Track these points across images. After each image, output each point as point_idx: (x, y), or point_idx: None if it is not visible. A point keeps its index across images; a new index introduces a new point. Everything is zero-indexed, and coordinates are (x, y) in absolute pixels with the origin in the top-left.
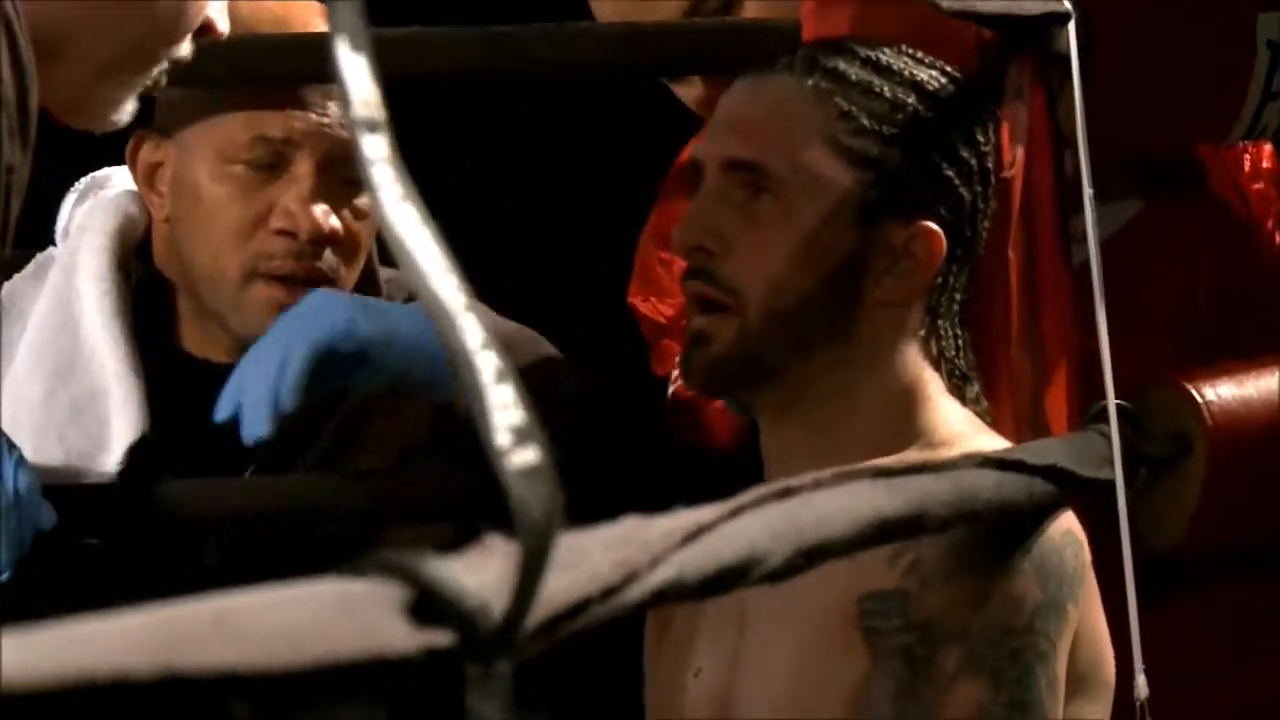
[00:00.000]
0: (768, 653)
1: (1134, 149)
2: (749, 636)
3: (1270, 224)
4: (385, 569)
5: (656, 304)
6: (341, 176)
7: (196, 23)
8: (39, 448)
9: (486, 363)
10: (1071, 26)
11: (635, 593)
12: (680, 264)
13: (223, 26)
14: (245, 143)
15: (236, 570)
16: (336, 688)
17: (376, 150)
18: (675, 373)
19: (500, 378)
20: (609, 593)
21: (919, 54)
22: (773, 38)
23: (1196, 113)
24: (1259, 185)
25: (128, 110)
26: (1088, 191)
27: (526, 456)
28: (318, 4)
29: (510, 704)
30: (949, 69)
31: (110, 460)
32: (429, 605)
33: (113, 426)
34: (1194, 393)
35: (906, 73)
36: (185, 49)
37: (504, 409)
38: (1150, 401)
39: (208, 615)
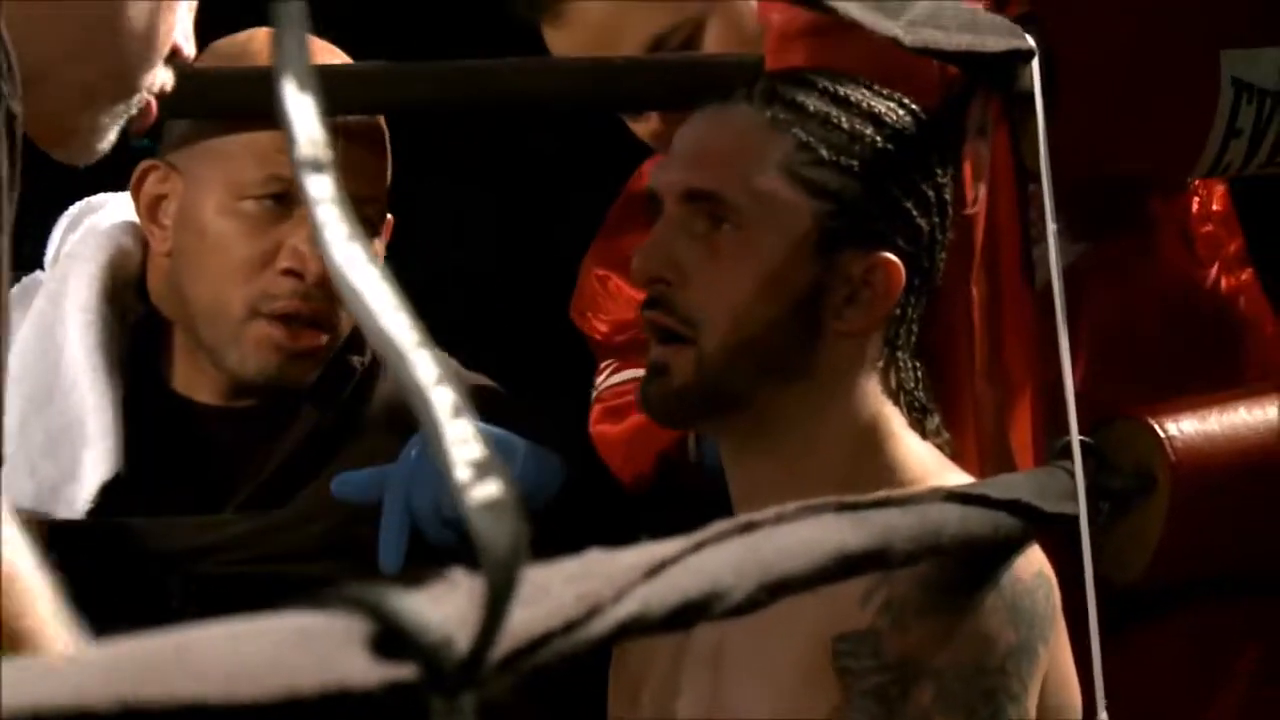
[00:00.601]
0: (743, 695)
1: (1095, 185)
2: (725, 679)
3: (1215, 268)
4: (347, 602)
5: (592, 319)
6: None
7: (168, 44)
8: (9, 478)
9: (442, 398)
10: (1035, 64)
11: (598, 626)
12: (617, 282)
13: (188, 50)
14: (258, 180)
15: (203, 610)
16: None
17: (321, 190)
18: (599, 381)
19: (456, 412)
20: (571, 626)
21: (878, 86)
22: (736, 72)
23: (1160, 150)
24: (1207, 228)
25: (109, 140)
26: (1051, 227)
27: (489, 490)
28: (325, 43)
29: None
30: (908, 101)
31: (81, 495)
32: (391, 638)
33: (85, 461)
34: (1156, 427)
35: (865, 104)
36: (166, 77)
37: (462, 443)
38: (1113, 436)
39: (168, 648)
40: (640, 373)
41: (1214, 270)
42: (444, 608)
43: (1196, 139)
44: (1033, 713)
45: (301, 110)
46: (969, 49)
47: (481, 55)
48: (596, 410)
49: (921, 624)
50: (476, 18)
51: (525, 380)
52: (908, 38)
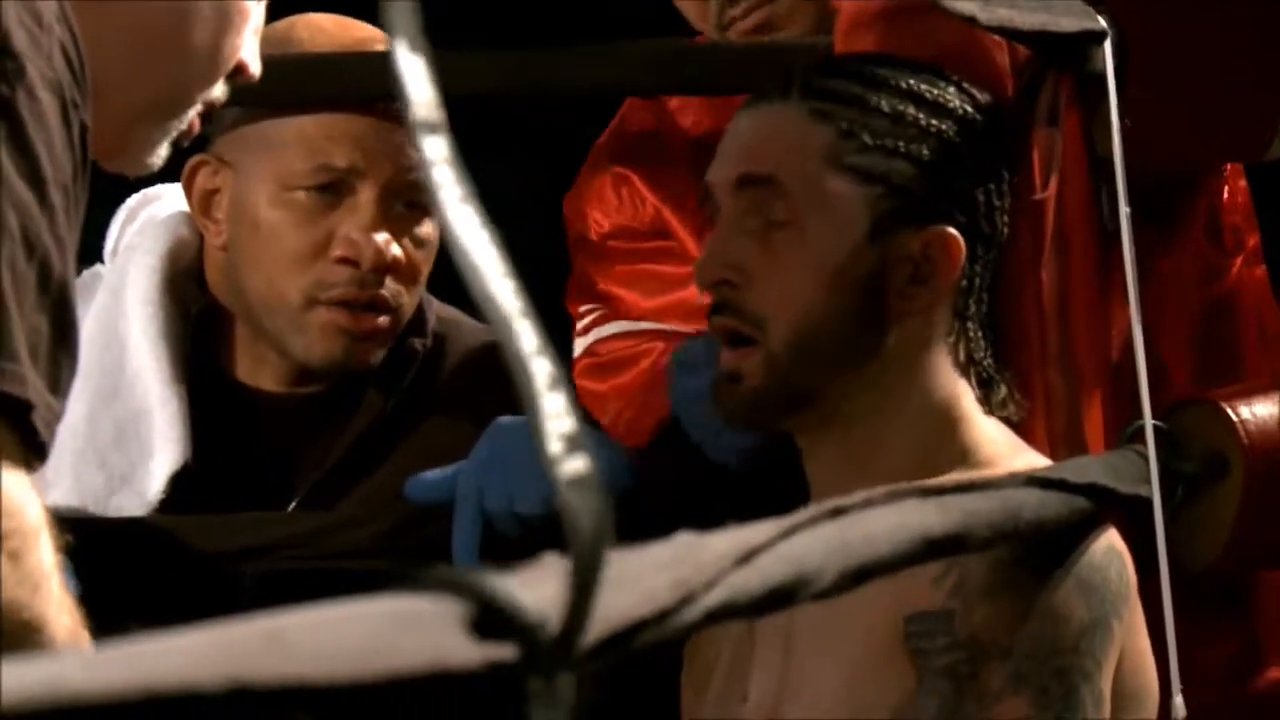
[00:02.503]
0: (814, 675)
1: (1166, 168)
2: (795, 660)
3: (1239, 260)
4: (442, 584)
5: (592, 214)
6: (402, 204)
7: (230, 65)
8: (80, 471)
9: (540, 369)
10: (1108, 45)
11: (690, 614)
12: (638, 187)
13: (255, 69)
14: (308, 171)
15: (269, 607)
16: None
17: (437, 151)
18: (588, 329)
19: (553, 385)
20: (665, 614)
21: (915, 63)
22: (803, 57)
23: (1231, 132)
24: (1234, 218)
25: (162, 154)
26: (1124, 210)
27: (576, 465)
28: (371, 27)
29: (573, 717)
30: (946, 74)
31: (152, 485)
32: (488, 619)
33: (155, 451)
34: (1229, 411)
35: (903, 84)
36: (219, 91)
37: (556, 416)
38: (1186, 420)
39: (263, 632)
40: (638, 325)
41: (1238, 262)
42: (537, 590)
43: (1267, 122)
44: (1108, 690)
45: (414, 72)
46: (1043, 28)
47: (545, 43)
48: (585, 364)
49: (993, 603)
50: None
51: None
52: (983, 16)
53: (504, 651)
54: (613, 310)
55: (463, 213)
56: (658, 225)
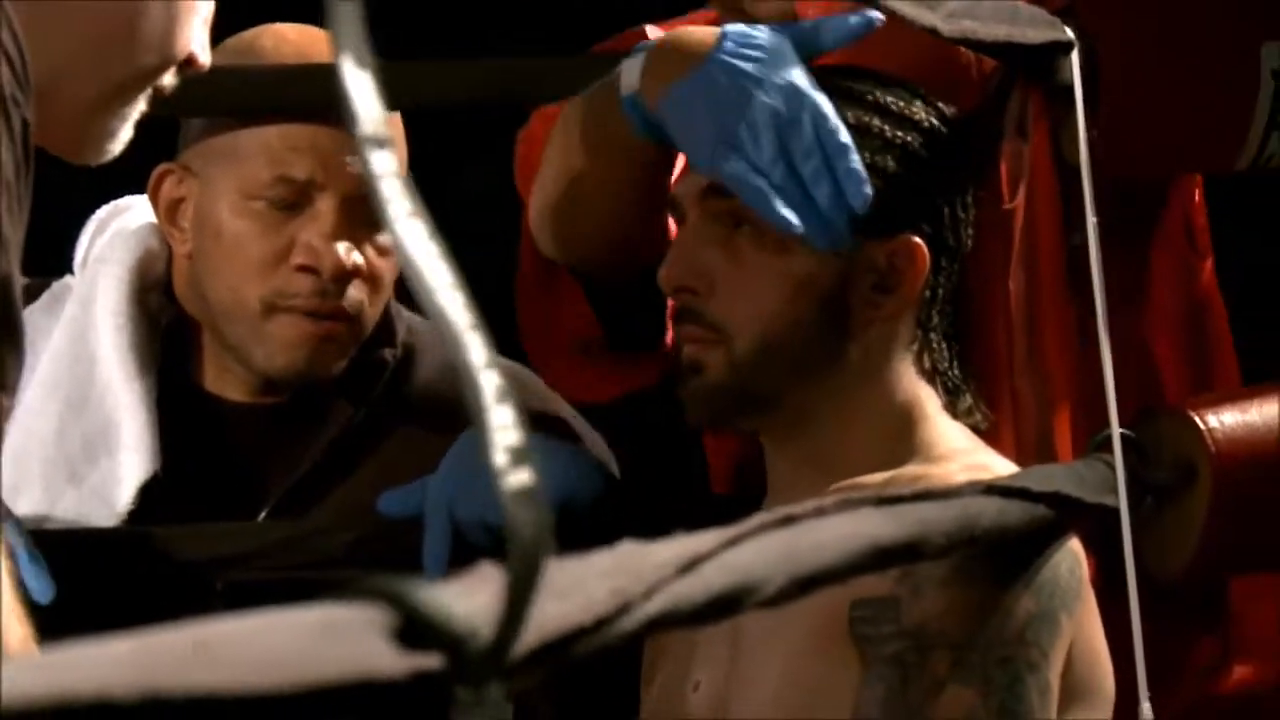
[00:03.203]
0: (762, 662)
1: (1135, 177)
2: (743, 647)
3: (1209, 262)
4: (370, 594)
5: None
6: (365, 213)
7: (181, 56)
8: (49, 482)
9: (489, 381)
10: (1075, 56)
11: (628, 622)
12: None
13: (204, 59)
14: (268, 181)
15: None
16: (322, 713)
17: (384, 166)
18: None
19: (501, 398)
20: (602, 622)
21: (881, 75)
22: None
23: (1201, 143)
24: (1202, 220)
25: (121, 140)
26: (1091, 221)
27: (521, 478)
28: None
29: None
30: (915, 88)
31: (121, 495)
32: (414, 629)
33: (124, 463)
34: (1197, 419)
35: (868, 96)
36: (169, 79)
37: (504, 429)
38: (1154, 429)
39: (189, 640)
40: None
41: (1208, 265)
42: (473, 600)
43: (1238, 133)
44: (1055, 684)
45: (361, 87)
46: (1007, 39)
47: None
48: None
49: (940, 592)
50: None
51: None
52: (946, 28)
53: (431, 661)
54: None
55: (411, 226)
56: None
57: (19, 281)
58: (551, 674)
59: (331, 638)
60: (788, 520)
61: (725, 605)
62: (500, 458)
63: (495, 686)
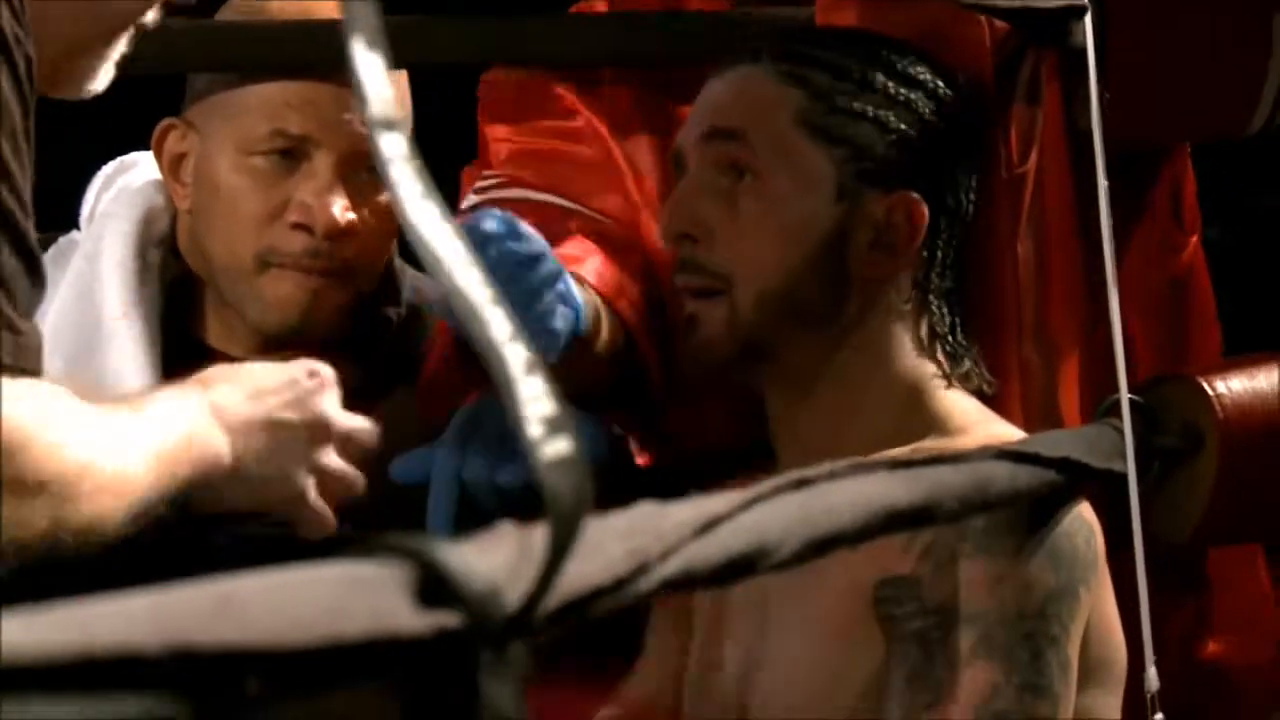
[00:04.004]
0: (788, 642)
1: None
2: (770, 625)
3: (1194, 239)
4: (393, 551)
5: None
6: (363, 171)
7: None
8: None
9: (515, 355)
10: (1088, 20)
11: (645, 583)
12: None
13: None
14: (264, 135)
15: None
16: (346, 670)
17: (394, 148)
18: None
19: (530, 369)
20: (621, 583)
21: (889, 39)
22: (786, 27)
23: (1212, 108)
24: (1190, 198)
25: (103, 78)
26: (1103, 184)
27: (558, 447)
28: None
29: (524, 688)
30: (920, 49)
31: None
32: (438, 587)
33: None
34: (1205, 386)
35: (875, 54)
36: (151, 16)
37: (535, 400)
38: (1162, 395)
39: (213, 595)
40: (540, 196)
41: (1194, 240)
42: (492, 559)
43: (1249, 98)
44: (1074, 657)
45: (371, 69)
46: (1024, 4)
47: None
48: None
49: (962, 569)
50: None
51: None
52: None
53: (452, 620)
54: (514, 180)
55: (424, 208)
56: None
57: (30, 214)
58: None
59: (355, 595)
60: (802, 483)
61: (741, 567)
62: (535, 429)
63: (517, 645)
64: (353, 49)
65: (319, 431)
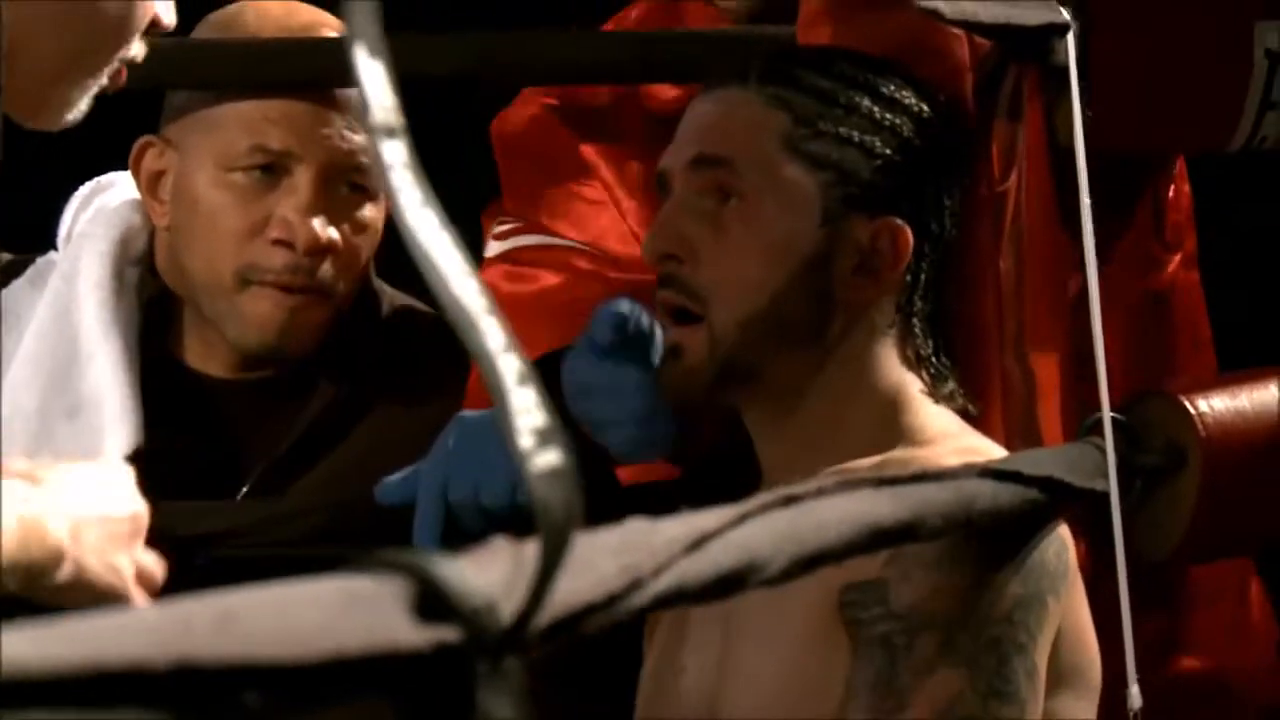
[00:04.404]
0: (753, 648)
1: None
2: (734, 632)
3: (1177, 257)
4: (390, 566)
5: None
6: (345, 187)
7: (145, 22)
8: (33, 456)
9: (509, 365)
10: (1070, 38)
11: (638, 599)
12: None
13: (168, 20)
14: (244, 151)
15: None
16: (346, 684)
17: (395, 156)
18: (502, 236)
19: (522, 380)
20: (613, 599)
21: (873, 59)
22: (770, 47)
23: (1194, 125)
24: (1177, 216)
25: (81, 109)
26: (1085, 202)
27: (549, 458)
28: (321, 11)
29: (521, 701)
30: (906, 74)
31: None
32: (435, 602)
33: (107, 437)
34: (1187, 404)
35: (860, 77)
36: (137, 48)
37: (526, 412)
38: (1144, 413)
39: (214, 611)
40: (558, 240)
41: (1176, 259)
42: (488, 573)
43: (1231, 113)
44: (1042, 666)
45: (373, 76)
46: (1006, 21)
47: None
48: (501, 270)
49: (929, 575)
50: None
51: None
52: (948, 9)
53: (450, 634)
54: (530, 226)
55: (423, 216)
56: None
57: None
58: (558, 650)
59: (354, 609)
60: (790, 500)
61: (730, 583)
62: (526, 440)
63: (512, 660)
64: (355, 55)
65: (138, 523)
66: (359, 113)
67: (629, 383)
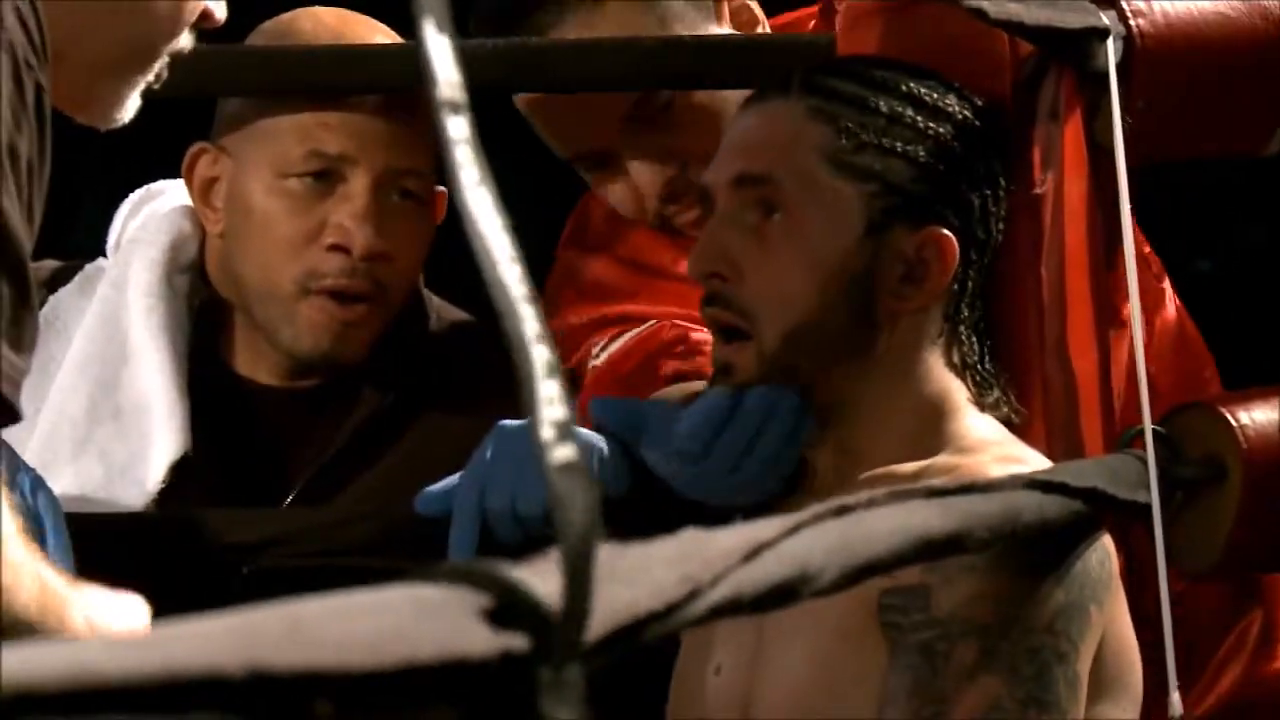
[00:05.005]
0: (788, 649)
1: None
2: (769, 633)
3: (1167, 283)
4: (457, 575)
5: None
6: (396, 194)
7: (194, 16)
8: (79, 462)
9: (540, 355)
10: (1110, 42)
11: (696, 608)
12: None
13: (220, 15)
14: (300, 157)
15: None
16: (415, 691)
17: (459, 131)
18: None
19: (550, 372)
20: (672, 608)
21: (915, 67)
22: (806, 52)
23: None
24: (1146, 248)
25: (131, 107)
26: (1125, 207)
27: (566, 452)
28: (375, 21)
29: (582, 710)
30: (948, 81)
31: (151, 477)
32: (505, 610)
33: (154, 443)
34: (1228, 415)
35: (902, 86)
36: (186, 41)
37: (550, 403)
38: (1185, 425)
39: (284, 619)
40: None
41: (1167, 285)
42: (548, 583)
43: (1270, 116)
44: (1084, 675)
45: (441, 52)
46: (1048, 24)
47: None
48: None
49: (969, 581)
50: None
51: None
52: (992, 10)
53: (517, 641)
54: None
55: (478, 195)
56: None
57: (28, 243)
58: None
59: (422, 618)
60: (842, 510)
61: (784, 593)
62: (547, 431)
63: (573, 667)
64: (422, 30)
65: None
66: (411, 119)
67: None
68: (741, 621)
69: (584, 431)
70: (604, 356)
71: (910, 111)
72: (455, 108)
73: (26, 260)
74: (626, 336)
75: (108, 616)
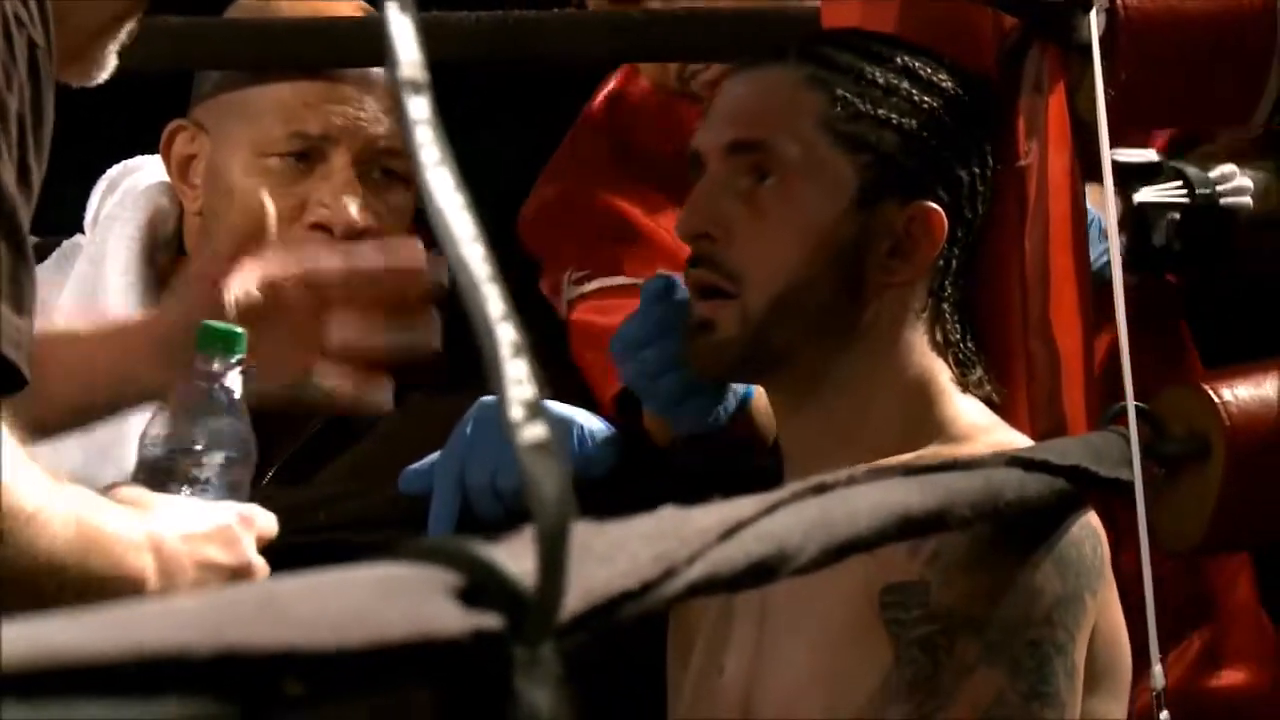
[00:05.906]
0: (789, 647)
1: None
2: (770, 631)
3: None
4: (430, 554)
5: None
6: (378, 172)
7: None
8: (57, 442)
9: (505, 335)
10: (1094, 15)
11: (672, 587)
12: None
13: None
14: (281, 137)
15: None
16: (387, 671)
17: (419, 112)
18: (577, 282)
19: (516, 351)
20: (648, 586)
21: (908, 42)
22: (791, 24)
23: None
24: None
25: (109, 68)
26: (1109, 182)
27: (536, 431)
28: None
29: (558, 689)
30: (943, 58)
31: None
32: (478, 589)
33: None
34: (1211, 393)
35: (899, 60)
36: None
37: (518, 383)
38: (1168, 402)
39: (255, 597)
40: (628, 280)
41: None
42: (522, 561)
43: (1254, 89)
44: (1081, 664)
45: (403, 31)
46: None
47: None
48: (589, 305)
49: (969, 576)
50: None
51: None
52: None
53: (490, 621)
54: (597, 269)
55: (439, 175)
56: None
57: (25, 204)
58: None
59: (394, 597)
60: (821, 488)
61: (763, 572)
62: (516, 411)
63: (547, 646)
64: (386, 9)
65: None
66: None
67: (679, 327)
68: (744, 620)
69: (567, 409)
70: (596, 287)
71: (905, 84)
72: (416, 87)
73: (20, 219)
74: (620, 282)
75: (201, 541)
